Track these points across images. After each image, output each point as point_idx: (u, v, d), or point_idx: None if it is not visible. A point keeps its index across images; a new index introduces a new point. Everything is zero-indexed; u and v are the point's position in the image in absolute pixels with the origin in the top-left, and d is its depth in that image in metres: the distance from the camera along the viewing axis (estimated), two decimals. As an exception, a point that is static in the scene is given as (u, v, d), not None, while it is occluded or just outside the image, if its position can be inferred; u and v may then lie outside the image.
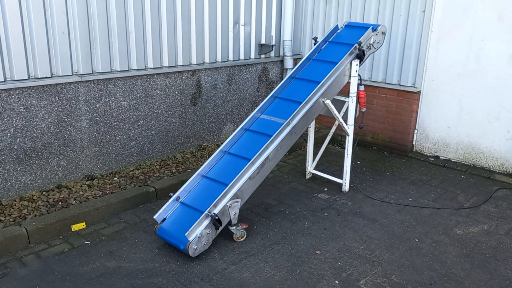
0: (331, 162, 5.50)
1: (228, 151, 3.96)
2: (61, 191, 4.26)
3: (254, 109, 4.23)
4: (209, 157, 3.96)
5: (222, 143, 4.22)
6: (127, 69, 4.65)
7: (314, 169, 4.99)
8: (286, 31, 6.09)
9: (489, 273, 3.39)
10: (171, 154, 5.27)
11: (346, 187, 4.67)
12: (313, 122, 4.63)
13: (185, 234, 3.33)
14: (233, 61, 5.66)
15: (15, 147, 4.01)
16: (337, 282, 3.24)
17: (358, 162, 5.50)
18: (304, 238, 3.80)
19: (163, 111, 5.05)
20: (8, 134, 3.95)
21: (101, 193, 4.29)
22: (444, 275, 3.35)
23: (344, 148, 4.64)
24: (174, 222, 3.60)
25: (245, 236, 3.76)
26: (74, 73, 4.27)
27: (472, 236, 3.88)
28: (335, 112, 4.29)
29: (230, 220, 3.61)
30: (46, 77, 4.08)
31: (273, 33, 6.07)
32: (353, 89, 4.36)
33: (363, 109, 4.56)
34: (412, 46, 5.39)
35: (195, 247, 3.39)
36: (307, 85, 4.20)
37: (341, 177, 4.71)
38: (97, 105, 4.47)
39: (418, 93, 5.52)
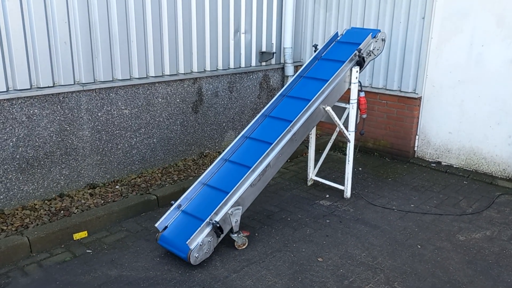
0: (333, 168, 5.50)
1: (228, 159, 3.97)
2: (63, 200, 4.27)
3: (255, 116, 4.24)
4: (210, 165, 3.97)
5: (223, 150, 4.23)
6: (129, 77, 4.67)
7: (316, 175, 4.99)
8: (287, 39, 6.11)
9: (492, 279, 3.37)
10: (172, 162, 5.28)
11: (347, 193, 4.67)
12: (314, 128, 4.64)
13: (187, 242, 3.33)
14: (234, 68, 5.68)
15: (18, 156, 4.03)
16: (339, 289, 3.23)
17: (360, 169, 5.49)
18: (306, 245, 3.79)
19: (165, 119, 5.07)
20: (11, 144, 3.97)
21: (103, 201, 4.30)
22: (447, 282, 3.33)
23: (345, 154, 4.64)
24: (176, 230, 3.60)
25: (246, 244, 3.75)
26: (76, 82, 4.30)
27: (475, 242, 3.87)
28: (336, 118, 4.30)
29: (232, 227, 3.61)
30: (48, 87, 4.10)
31: (273, 41, 6.10)
32: (353, 95, 4.37)
33: (364, 116, 4.57)
34: (412, 52, 5.41)
35: (196, 255, 3.39)
36: (306, 88, 4.22)
37: (342, 183, 4.70)
38: (99, 114, 4.49)
39: (419, 99, 5.53)
